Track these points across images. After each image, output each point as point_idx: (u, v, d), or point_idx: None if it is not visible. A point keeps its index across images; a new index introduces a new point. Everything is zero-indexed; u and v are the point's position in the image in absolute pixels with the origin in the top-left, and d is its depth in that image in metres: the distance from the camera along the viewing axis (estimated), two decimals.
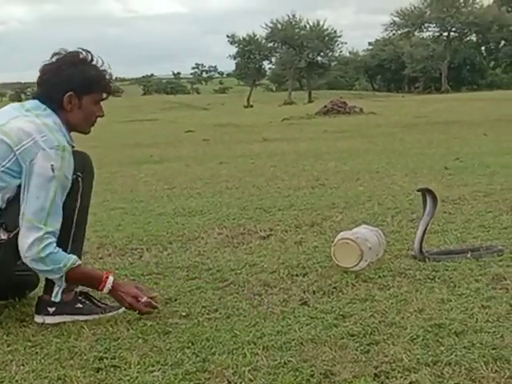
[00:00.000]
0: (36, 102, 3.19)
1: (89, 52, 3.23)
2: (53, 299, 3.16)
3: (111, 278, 3.22)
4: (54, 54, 3.21)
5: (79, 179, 3.20)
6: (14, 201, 3.05)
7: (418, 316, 2.99)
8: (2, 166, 3.01)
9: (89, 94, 3.21)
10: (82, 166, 3.21)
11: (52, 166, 2.99)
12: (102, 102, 3.33)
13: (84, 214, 3.29)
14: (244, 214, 5.77)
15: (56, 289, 3.16)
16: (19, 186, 3.04)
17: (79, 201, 3.21)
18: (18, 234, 3.03)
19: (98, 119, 3.36)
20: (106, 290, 3.22)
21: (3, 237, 3.03)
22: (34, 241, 2.99)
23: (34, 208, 3.00)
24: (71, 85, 3.16)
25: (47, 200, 3.00)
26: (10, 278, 3.22)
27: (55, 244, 3.05)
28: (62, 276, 3.10)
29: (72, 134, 3.29)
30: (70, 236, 3.20)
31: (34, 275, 3.41)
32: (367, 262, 3.82)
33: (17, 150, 3.00)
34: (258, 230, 5.06)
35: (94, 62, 3.23)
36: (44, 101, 3.17)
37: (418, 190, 4.32)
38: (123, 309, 3.28)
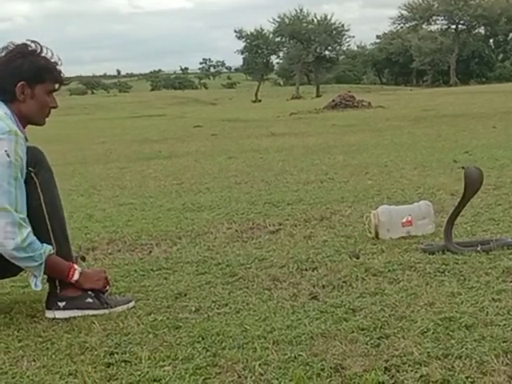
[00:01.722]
0: None
1: (38, 44, 3.25)
2: (34, 288, 3.17)
3: (76, 266, 3.28)
4: (3, 48, 3.23)
5: (32, 175, 3.17)
6: None
7: (428, 309, 2.99)
8: None
9: (41, 83, 3.22)
10: (34, 161, 3.19)
11: (6, 151, 3.00)
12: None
13: (54, 206, 3.26)
14: (253, 208, 5.77)
15: (33, 279, 3.16)
16: None
17: (41, 195, 3.19)
18: None
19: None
20: (75, 277, 3.24)
21: None
22: (12, 228, 2.99)
23: (0, 195, 2.99)
24: (22, 74, 3.17)
25: (11, 185, 3.01)
26: None
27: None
28: (41, 264, 3.11)
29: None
30: (49, 230, 3.20)
31: None
32: (389, 233, 4.40)
33: None
34: (267, 225, 5.07)
35: (43, 54, 3.25)
36: None
37: (462, 168, 4.33)
38: (133, 302, 3.32)
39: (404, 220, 4.47)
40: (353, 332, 2.77)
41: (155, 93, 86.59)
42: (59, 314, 3.19)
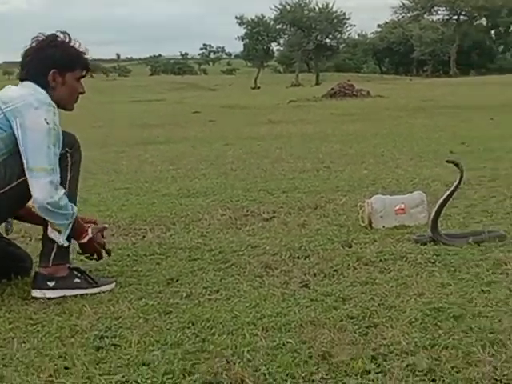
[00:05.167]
0: (28, 82, 3.37)
1: (67, 34, 3.46)
2: (61, 243, 3.29)
3: (90, 230, 3.47)
4: (33, 38, 3.43)
5: (67, 155, 3.36)
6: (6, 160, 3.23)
7: (417, 300, 3.01)
8: None
9: (71, 70, 3.43)
10: (71, 143, 3.38)
11: (45, 119, 3.20)
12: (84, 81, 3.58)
13: (74, 186, 3.43)
14: (248, 195, 5.79)
15: (58, 236, 3.29)
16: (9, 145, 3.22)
17: (69, 174, 3.37)
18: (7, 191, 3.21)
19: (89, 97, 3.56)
20: (86, 240, 3.44)
21: None
22: (50, 187, 3.16)
23: (41, 156, 3.18)
24: (54, 63, 3.38)
25: (50, 149, 3.19)
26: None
27: None
28: (70, 223, 3.28)
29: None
30: None
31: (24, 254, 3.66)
32: (382, 221, 4.43)
33: (5, 108, 3.22)
34: (261, 212, 5.08)
35: (72, 44, 3.46)
36: (32, 81, 3.36)
37: (447, 162, 4.32)
38: (114, 283, 3.42)
39: (397, 207, 4.49)
40: (342, 320, 2.79)
41: (154, 77, 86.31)
42: (50, 294, 3.24)
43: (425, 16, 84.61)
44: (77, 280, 3.33)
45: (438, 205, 4.10)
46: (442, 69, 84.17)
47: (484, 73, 77.43)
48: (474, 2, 77.11)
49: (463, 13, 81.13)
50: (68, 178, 3.35)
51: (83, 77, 3.52)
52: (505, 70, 77.38)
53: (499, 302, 2.93)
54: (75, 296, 3.24)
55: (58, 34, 3.43)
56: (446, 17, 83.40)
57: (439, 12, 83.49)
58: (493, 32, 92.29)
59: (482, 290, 3.09)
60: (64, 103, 3.44)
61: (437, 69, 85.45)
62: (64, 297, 3.23)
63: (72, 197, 3.38)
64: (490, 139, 9.71)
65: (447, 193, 4.13)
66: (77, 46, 3.46)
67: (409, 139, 10.33)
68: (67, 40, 3.44)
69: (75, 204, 3.42)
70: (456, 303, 2.92)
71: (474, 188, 5.69)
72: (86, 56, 3.49)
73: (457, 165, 4.15)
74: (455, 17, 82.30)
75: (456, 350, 2.45)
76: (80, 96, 3.54)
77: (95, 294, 3.28)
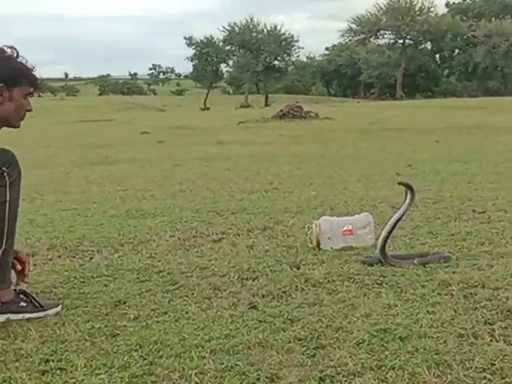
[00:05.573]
0: None
1: (14, 49, 3.33)
2: None
3: None
4: None
5: (4, 174, 3.23)
6: None
7: (364, 321, 3.03)
8: None
9: (18, 86, 3.30)
10: (8, 160, 3.26)
11: None
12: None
13: (15, 206, 3.30)
14: (197, 216, 5.78)
15: None
16: None
17: (8, 194, 3.24)
18: None
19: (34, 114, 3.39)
20: None
21: None
22: None
23: None
24: (1, 77, 3.24)
25: None
26: None
27: None
28: None
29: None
30: (4, 231, 3.21)
31: None
32: (330, 242, 4.46)
33: None
34: (210, 233, 5.08)
35: (19, 59, 3.33)
36: None
37: (399, 184, 4.36)
38: (60, 306, 3.35)
39: (345, 229, 4.54)
40: (290, 342, 2.79)
41: (103, 97, 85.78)
42: None
43: (371, 40, 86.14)
44: (22, 304, 3.26)
45: (388, 226, 4.14)
46: (388, 92, 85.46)
47: (429, 96, 78.91)
48: (419, 26, 78.92)
49: (408, 37, 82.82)
50: (7, 198, 3.24)
51: (31, 94, 3.40)
52: (449, 93, 79.08)
53: (444, 322, 2.97)
54: (20, 319, 3.19)
55: (5, 48, 3.32)
56: (392, 41, 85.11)
57: (385, 36, 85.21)
58: (437, 56, 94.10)
59: (428, 311, 3.14)
60: (10, 120, 3.32)
61: (383, 91, 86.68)
62: (8, 320, 3.18)
63: (12, 218, 3.27)
64: (435, 161, 9.89)
65: (397, 214, 4.18)
66: (24, 61, 3.34)
67: (356, 161, 10.46)
68: (15, 55, 3.32)
69: (15, 229, 3.31)
70: (402, 324, 2.95)
71: (419, 210, 5.77)
72: (33, 73, 3.38)
73: (410, 187, 4.21)
74: (401, 41, 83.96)
75: (402, 370, 2.47)
76: (27, 114, 3.41)
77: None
